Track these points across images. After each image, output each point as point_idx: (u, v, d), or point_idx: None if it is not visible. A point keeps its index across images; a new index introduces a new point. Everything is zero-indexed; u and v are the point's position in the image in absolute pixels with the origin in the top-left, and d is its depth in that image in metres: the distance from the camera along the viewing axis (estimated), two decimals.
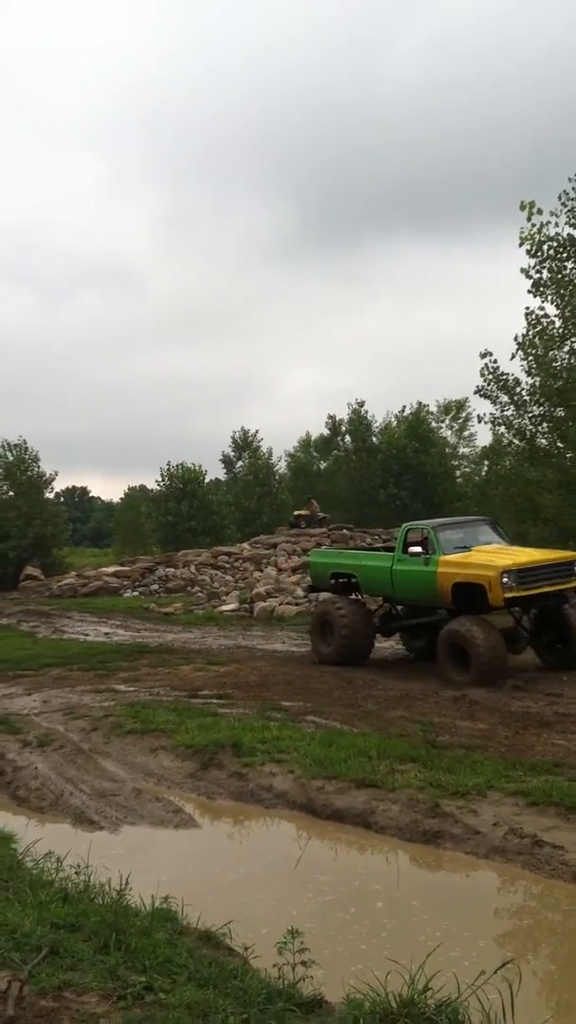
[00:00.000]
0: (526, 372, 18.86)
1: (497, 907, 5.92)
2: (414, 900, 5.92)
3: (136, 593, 31.01)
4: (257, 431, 59.34)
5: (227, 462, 60.23)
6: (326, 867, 6.60)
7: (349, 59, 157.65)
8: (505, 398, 19.04)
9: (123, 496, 62.18)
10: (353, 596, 15.38)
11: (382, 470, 51.66)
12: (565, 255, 18.14)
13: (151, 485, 58.48)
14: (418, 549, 13.48)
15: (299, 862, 6.68)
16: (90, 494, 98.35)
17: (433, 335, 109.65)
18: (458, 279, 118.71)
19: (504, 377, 19.00)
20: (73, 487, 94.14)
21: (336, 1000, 3.96)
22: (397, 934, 5.28)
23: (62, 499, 65.25)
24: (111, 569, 34.69)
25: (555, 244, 18.14)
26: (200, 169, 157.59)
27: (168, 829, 7.48)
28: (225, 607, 25.17)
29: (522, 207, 17.93)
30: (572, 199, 18.10)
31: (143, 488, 62.95)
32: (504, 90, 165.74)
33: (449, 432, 59.02)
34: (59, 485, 63.61)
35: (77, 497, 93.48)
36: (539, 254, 18.21)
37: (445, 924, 5.45)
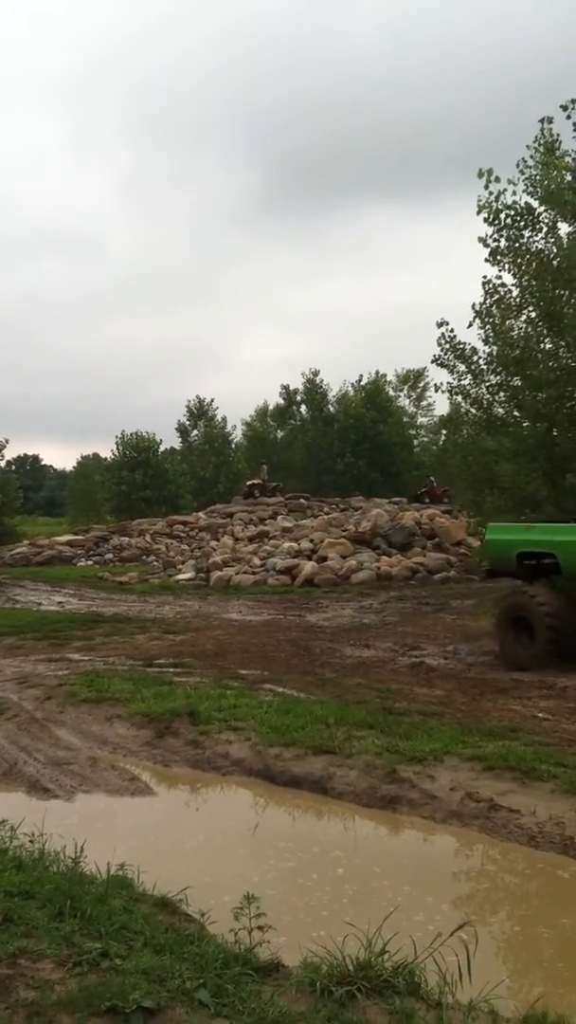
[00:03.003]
0: (483, 341, 18.78)
1: (455, 871, 5.95)
2: (374, 866, 5.92)
3: (90, 562, 30.86)
4: (212, 400, 59.16)
5: (183, 431, 59.86)
6: (285, 833, 6.57)
7: (315, 20, 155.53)
8: (462, 367, 18.92)
9: (76, 465, 61.75)
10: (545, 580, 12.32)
11: (339, 439, 51.79)
12: (522, 224, 17.99)
13: (105, 454, 58.11)
14: None
15: (257, 829, 6.64)
16: (42, 462, 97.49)
17: (394, 303, 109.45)
18: (420, 247, 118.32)
19: (461, 346, 18.89)
20: (24, 455, 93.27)
21: (294, 964, 3.93)
22: (358, 900, 5.27)
23: (13, 467, 64.46)
24: (64, 538, 34.47)
25: (512, 213, 18.01)
26: (162, 132, 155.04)
27: (124, 797, 7.40)
28: (181, 576, 25.10)
29: (480, 175, 17.74)
30: (529, 167, 17.98)
31: (96, 457, 62.51)
32: (468, 56, 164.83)
33: (407, 401, 59.34)
34: (9, 453, 62.94)
35: (28, 465, 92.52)
36: (496, 223, 18.07)
37: (406, 889, 5.44)
